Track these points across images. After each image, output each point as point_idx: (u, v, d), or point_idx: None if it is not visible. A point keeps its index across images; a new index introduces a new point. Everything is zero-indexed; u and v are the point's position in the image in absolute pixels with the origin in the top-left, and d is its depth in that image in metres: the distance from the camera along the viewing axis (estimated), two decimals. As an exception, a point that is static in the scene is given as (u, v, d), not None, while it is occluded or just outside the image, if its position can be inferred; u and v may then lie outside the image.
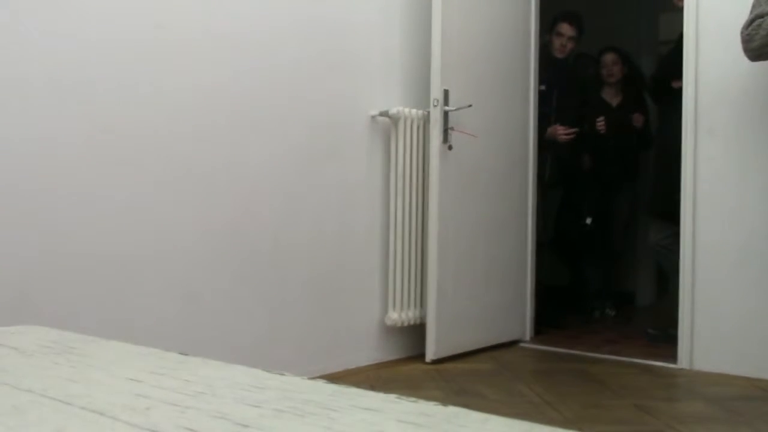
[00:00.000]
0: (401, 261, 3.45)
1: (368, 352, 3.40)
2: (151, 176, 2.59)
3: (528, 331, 4.04)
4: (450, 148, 3.47)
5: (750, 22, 2.86)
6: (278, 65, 3.00)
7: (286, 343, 3.03)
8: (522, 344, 3.94)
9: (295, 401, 0.62)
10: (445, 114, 3.45)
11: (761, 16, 2.82)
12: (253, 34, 2.91)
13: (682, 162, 3.42)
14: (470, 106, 3.48)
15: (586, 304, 4.94)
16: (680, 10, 3.52)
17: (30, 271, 2.28)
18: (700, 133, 3.38)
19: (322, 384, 0.69)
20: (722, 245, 3.33)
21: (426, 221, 3.50)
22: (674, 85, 3.67)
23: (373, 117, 3.42)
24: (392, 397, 0.63)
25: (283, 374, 0.72)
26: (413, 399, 0.61)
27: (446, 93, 3.46)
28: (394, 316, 3.43)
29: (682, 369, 3.39)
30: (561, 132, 4.32)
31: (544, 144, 4.21)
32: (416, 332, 3.54)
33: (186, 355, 0.82)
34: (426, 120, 3.52)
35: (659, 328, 3.99)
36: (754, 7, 2.88)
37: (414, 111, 3.49)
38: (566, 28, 4.36)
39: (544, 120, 4.24)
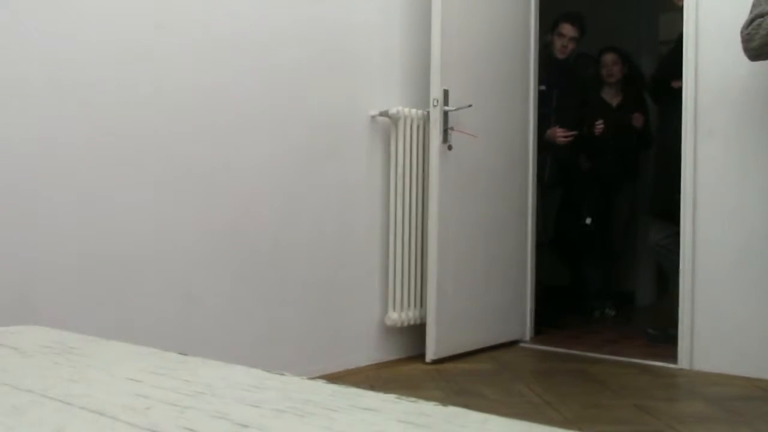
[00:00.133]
0: (401, 261, 3.45)
1: (368, 352, 3.40)
2: (151, 176, 2.59)
3: (528, 331, 4.04)
4: (450, 148, 3.47)
5: (750, 22, 2.86)
6: (278, 65, 3.00)
7: (286, 343, 3.03)
8: (522, 344, 3.94)
9: (295, 401, 0.62)
10: (445, 114, 3.45)
11: (761, 15, 2.82)
12: (253, 34, 2.91)
13: (682, 162, 3.42)
14: (470, 106, 3.48)
15: (586, 304, 4.94)
16: (680, 9, 3.52)
17: (30, 272, 2.28)
18: (700, 133, 3.38)
19: (322, 384, 0.69)
20: (722, 245, 3.33)
21: (426, 221, 3.50)
22: (674, 84, 3.67)
23: (373, 117, 3.42)
24: (392, 397, 0.63)
25: (283, 374, 0.72)
26: (413, 399, 0.61)
27: (446, 93, 3.46)
28: (394, 316, 3.43)
29: (682, 369, 3.38)
30: (560, 134, 4.31)
31: (544, 145, 4.21)
32: (416, 332, 3.54)
33: (186, 355, 0.82)
34: (426, 120, 3.52)
35: (659, 328, 3.99)
36: (754, 6, 2.88)
37: (414, 111, 3.49)
38: (568, 29, 4.35)
39: (544, 120, 4.23)
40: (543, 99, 4.20)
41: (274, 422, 0.57)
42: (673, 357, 3.45)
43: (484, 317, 3.73)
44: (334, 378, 2.87)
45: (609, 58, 4.73)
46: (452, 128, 3.47)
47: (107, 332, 1.06)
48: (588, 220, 4.73)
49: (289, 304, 3.04)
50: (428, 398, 0.62)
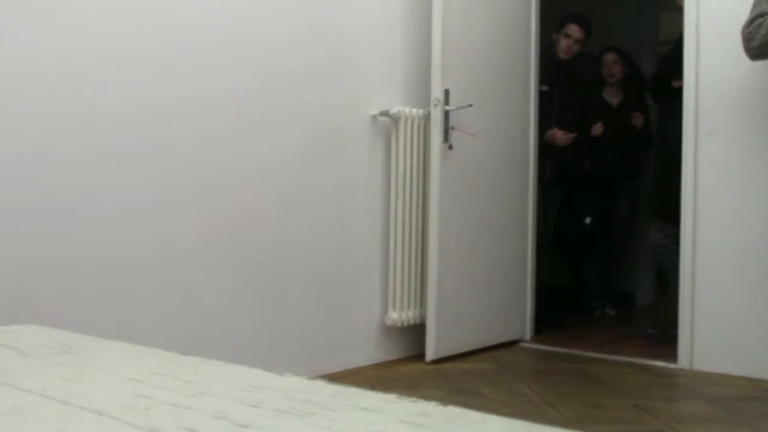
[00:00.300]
0: (401, 261, 3.45)
1: (368, 351, 3.40)
2: (151, 177, 2.59)
3: (528, 331, 4.04)
4: (450, 147, 3.46)
5: (750, 21, 2.86)
6: (279, 65, 3.00)
7: (286, 343, 3.03)
8: (522, 344, 3.94)
9: (295, 401, 0.62)
10: (446, 114, 3.45)
11: (762, 15, 2.82)
12: (254, 34, 2.91)
13: (682, 162, 3.42)
14: (471, 105, 3.48)
15: (586, 303, 4.94)
16: (681, 9, 3.52)
17: (30, 273, 2.28)
18: (701, 134, 3.38)
19: (322, 384, 0.68)
20: (723, 245, 3.33)
21: (426, 221, 3.50)
22: (675, 84, 3.67)
23: (373, 117, 3.42)
24: (392, 397, 0.63)
25: (283, 374, 0.72)
26: (413, 399, 0.61)
27: (447, 93, 3.46)
28: (394, 316, 3.43)
29: (682, 369, 3.38)
30: (560, 136, 4.31)
31: (544, 146, 4.20)
32: (416, 332, 3.54)
33: (186, 355, 0.82)
34: (427, 120, 3.52)
35: (659, 328, 3.99)
36: (754, 6, 2.88)
37: (415, 111, 3.49)
38: (574, 30, 4.33)
39: (545, 120, 4.23)
40: (545, 99, 4.19)
41: (274, 422, 0.57)
42: (673, 357, 3.45)
43: (484, 317, 3.73)
44: (334, 378, 2.87)
45: (609, 57, 4.73)
46: (453, 128, 3.47)
47: (107, 335, 1.06)
48: (587, 220, 4.73)
49: (289, 304, 3.04)
50: (428, 398, 0.62)
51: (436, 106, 3.44)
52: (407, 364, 3.44)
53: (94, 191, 2.43)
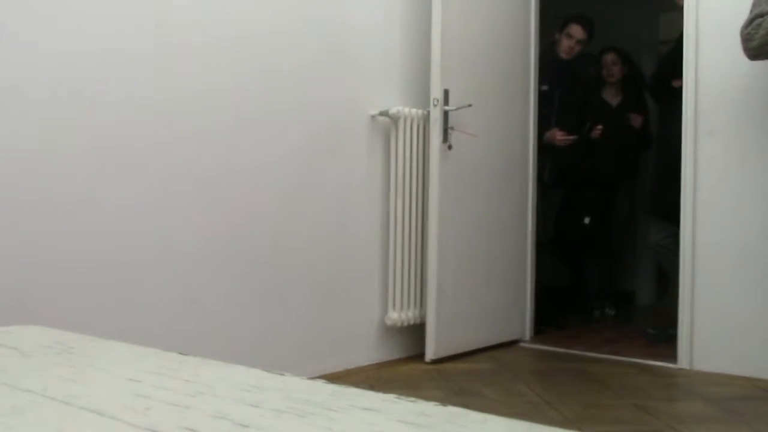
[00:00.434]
0: (401, 261, 3.45)
1: (368, 352, 3.40)
2: (151, 178, 2.58)
3: (528, 331, 4.04)
4: (450, 147, 3.47)
5: (750, 21, 2.86)
6: (278, 65, 3.00)
7: (286, 343, 3.03)
8: (522, 344, 3.94)
9: (295, 401, 0.62)
10: (445, 113, 3.45)
11: (761, 15, 2.82)
12: (254, 34, 2.91)
13: (682, 162, 3.42)
14: (470, 105, 3.48)
15: (586, 303, 4.94)
16: (681, 9, 3.52)
17: (30, 276, 2.27)
18: (701, 134, 3.38)
19: (322, 384, 0.69)
20: (722, 245, 3.33)
21: (426, 221, 3.50)
22: (675, 84, 3.67)
23: (373, 117, 3.42)
24: (392, 397, 0.63)
25: (283, 374, 0.72)
26: (413, 399, 0.61)
27: (446, 92, 3.46)
28: (394, 316, 3.43)
29: (681, 369, 3.38)
30: (559, 137, 4.31)
31: (543, 146, 4.20)
32: (416, 332, 3.54)
33: (186, 355, 0.82)
34: (426, 120, 3.52)
35: (659, 328, 3.99)
36: (754, 6, 2.88)
37: (414, 110, 3.49)
38: (577, 30, 4.32)
39: (545, 120, 4.23)
40: (545, 99, 4.19)
41: (274, 422, 0.57)
42: (672, 357, 3.45)
43: (484, 317, 3.73)
44: (334, 378, 2.87)
45: (609, 58, 4.73)
46: (452, 128, 3.47)
47: (107, 335, 1.06)
48: (587, 220, 4.73)
49: (289, 304, 3.04)
50: (428, 398, 0.62)
51: (435, 106, 3.44)
52: (407, 364, 3.44)
53: (94, 192, 2.43)
